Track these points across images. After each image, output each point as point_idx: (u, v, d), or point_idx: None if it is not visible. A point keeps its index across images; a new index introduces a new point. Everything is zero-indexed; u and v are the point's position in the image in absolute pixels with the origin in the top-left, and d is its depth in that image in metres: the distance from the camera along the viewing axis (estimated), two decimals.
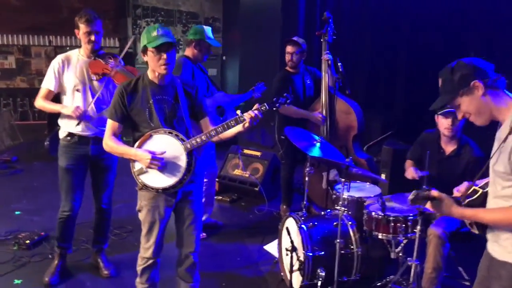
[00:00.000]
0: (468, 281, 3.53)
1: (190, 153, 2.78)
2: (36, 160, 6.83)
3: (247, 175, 5.39)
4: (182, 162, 2.77)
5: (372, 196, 3.73)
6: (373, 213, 3.34)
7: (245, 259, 4.12)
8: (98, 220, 3.78)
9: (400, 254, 3.34)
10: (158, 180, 2.79)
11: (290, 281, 3.30)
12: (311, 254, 3.34)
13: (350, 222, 3.53)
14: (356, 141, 4.60)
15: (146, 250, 2.93)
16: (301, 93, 4.65)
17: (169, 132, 2.78)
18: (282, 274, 3.71)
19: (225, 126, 2.74)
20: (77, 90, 3.44)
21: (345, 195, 3.73)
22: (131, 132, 2.90)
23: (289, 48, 4.59)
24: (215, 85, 4.43)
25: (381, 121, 6.74)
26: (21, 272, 3.76)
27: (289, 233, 3.31)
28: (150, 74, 2.82)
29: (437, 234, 3.21)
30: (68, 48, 10.12)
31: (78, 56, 3.50)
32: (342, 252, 3.37)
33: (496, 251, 2.03)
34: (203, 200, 4.36)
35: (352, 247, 3.45)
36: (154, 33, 2.68)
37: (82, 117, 3.36)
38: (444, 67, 2.05)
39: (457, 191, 2.31)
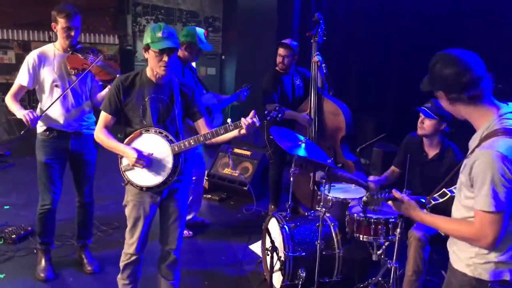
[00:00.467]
0: None
1: (177, 155, 2.80)
2: (28, 155, 6.79)
3: (236, 174, 5.40)
4: (169, 163, 2.79)
5: (357, 197, 3.73)
6: (355, 215, 3.34)
7: (229, 258, 4.12)
8: (81, 215, 3.78)
9: (382, 257, 3.34)
10: (143, 178, 2.82)
11: (270, 281, 3.30)
12: (292, 254, 3.34)
13: (332, 223, 3.53)
14: (344, 143, 4.59)
15: (129, 246, 2.95)
16: (290, 93, 4.64)
17: (159, 132, 2.79)
18: (265, 274, 3.71)
19: (214, 133, 2.76)
20: (56, 86, 3.40)
21: (330, 196, 3.75)
22: (123, 126, 2.90)
23: (281, 51, 4.58)
24: (204, 85, 4.44)
25: (374, 123, 6.74)
26: (5, 267, 3.78)
27: (269, 233, 3.31)
28: (148, 72, 2.82)
29: (417, 237, 3.20)
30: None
31: (54, 51, 3.43)
32: (324, 253, 3.37)
33: (452, 257, 2.04)
34: (191, 198, 4.39)
35: (333, 248, 3.45)
36: (159, 34, 2.67)
37: (33, 123, 3.23)
38: (441, 53, 1.91)
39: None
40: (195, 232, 4.53)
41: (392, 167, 3.81)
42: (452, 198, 2.11)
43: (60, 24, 3.33)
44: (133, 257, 2.95)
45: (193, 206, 4.55)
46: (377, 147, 5.76)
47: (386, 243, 3.30)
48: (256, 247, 4.16)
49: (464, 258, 1.95)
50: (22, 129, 3.42)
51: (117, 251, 3.10)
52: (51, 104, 3.36)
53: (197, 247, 4.32)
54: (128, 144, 2.81)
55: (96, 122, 3.63)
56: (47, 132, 3.47)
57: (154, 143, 2.79)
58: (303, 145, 3.53)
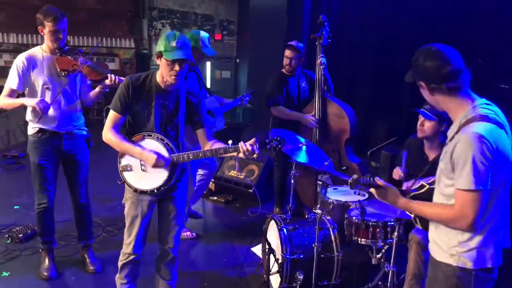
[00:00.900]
0: None
1: (174, 166, 2.83)
2: None
3: (242, 177, 5.41)
4: (165, 173, 2.82)
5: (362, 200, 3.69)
6: (353, 218, 3.31)
7: (231, 260, 4.13)
8: (78, 216, 3.82)
9: (382, 260, 3.30)
10: (139, 181, 2.87)
11: (267, 282, 3.30)
12: (289, 257, 3.33)
13: (332, 226, 3.51)
14: (349, 145, 4.55)
15: (127, 245, 2.98)
16: (295, 96, 4.64)
17: (161, 139, 2.81)
18: (264, 276, 3.70)
19: (214, 151, 2.80)
20: (47, 89, 3.44)
21: (331, 199, 3.73)
22: (124, 125, 2.91)
23: (287, 53, 4.57)
24: (207, 89, 4.46)
25: (386, 126, 6.68)
26: (11, 265, 3.86)
27: (266, 236, 3.30)
28: (158, 77, 2.82)
29: (418, 240, 3.15)
30: (84, 48, 10.35)
31: (42, 54, 3.45)
32: (322, 256, 3.35)
33: (434, 250, 2.10)
34: (194, 188, 4.40)
35: (332, 251, 3.42)
36: (173, 44, 2.68)
37: (46, 110, 3.30)
38: (423, 48, 2.09)
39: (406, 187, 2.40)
40: (198, 233, 4.55)
41: (396, 169, 3.74)
42: (429, 191, 2.21)
43: (47, 27, 3.34)
44: (131, 257, 2.98)
45: (191, 198, 4.55)
46: (386, 150, 5.69)
47: (385, 247, 3.26)
48: (258, 250, 4.15)
49: (447, 248, 2.01)
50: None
51: (120, 251, 3.13)
52: (55, 98, 3.39)
53: (200, 249, 4.34)
54: None
55: (85, 123, 3.69)
56: (39, 134, 3.51)
57: (155, 149, 2.80)
58: (303, 147, 3.52)
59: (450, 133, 2.04)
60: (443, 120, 3.25)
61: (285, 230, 3.44)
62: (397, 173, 3.54)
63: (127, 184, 2.90)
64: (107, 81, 3.46)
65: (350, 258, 3.58)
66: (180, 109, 2.87)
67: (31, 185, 3.66)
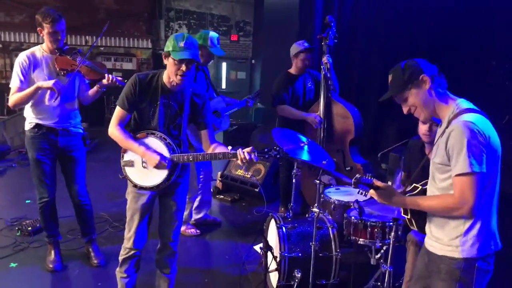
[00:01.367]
0: None
1: (174, 165, 2.87)
2: None
3: (248, 176, 5.44)
4: (164, 171, 2.86)
5: (361, 201, 3.68)
6: (352, 218, 3.31)
7: (233, 258, 4.17)
8: (78, 214, 3.87)
9: (381, 261, 3.29)
10: (139, 177, 2.92)
11: (265, 279, 3.32)
12: (287, 254, 3.35)
13: (331, 226, 3.51)
14: (353, 146, 4.55)
15: (127, 240, 3.03)
16: (301, 95, 4.66)
17: (164, 138, 2.86)
18: (264, 274, 3.72)
19: (213, 156, 2.86)
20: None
21: (333, 199, 3.73)
22: (130, 120, 2.96)
23: (305, 56, 4.59)
24: (215, 90, 4.50)
25: (396, 128, 6.63)
26: (19, 257, 3.97)
27: (264, 234, 3.33)
28: (165, 77, 2.87)
29: (415, 241, 3.14)
30: (102, 48, 10.53)
31: (42, 53, 3.53)
32: (321, 255, 3.36)
33: (434, 246, 2.18)
34: (199, 197, 4.46)
35: (331, 250, 3.42)
36: (181, 44, 2.73)
37: (62, 90, 3.37)
38: (395, 66, 2.24)
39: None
40: (203, 230, 4.59)
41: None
42: (422, 191, 2.28)
43: (46, 29, 3.42)
44: (131, 252, 3.03)
45: (203, 205, 4.61)
46: (394, 152, 5.65)
47: (384, 247, 3.24)
48: (260, 248, 4.18)
49: (448, 240, 2.10)
50: None
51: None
52: (56, 96, 3.42)
53: (203, 245, 4.39)
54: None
55: (82, 121, 3.75)
56: (36, 129, 3.58)
57: (157, 148, 2.86)
58: (305, 146, 3.54)
59: (440, 130, 2.17)
60: None
61: (283, 228, 3.46)
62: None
63: (128, 179, 2.96)
64: (104, 81, 3.55)
65: (350, 258, 3.58)
66: (185, 110, 2.91)
67: None
